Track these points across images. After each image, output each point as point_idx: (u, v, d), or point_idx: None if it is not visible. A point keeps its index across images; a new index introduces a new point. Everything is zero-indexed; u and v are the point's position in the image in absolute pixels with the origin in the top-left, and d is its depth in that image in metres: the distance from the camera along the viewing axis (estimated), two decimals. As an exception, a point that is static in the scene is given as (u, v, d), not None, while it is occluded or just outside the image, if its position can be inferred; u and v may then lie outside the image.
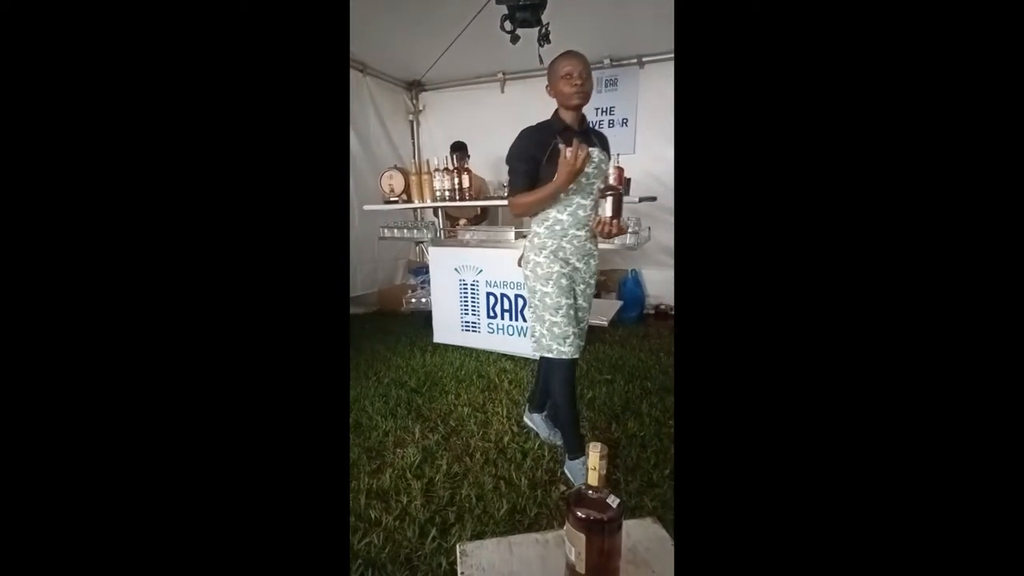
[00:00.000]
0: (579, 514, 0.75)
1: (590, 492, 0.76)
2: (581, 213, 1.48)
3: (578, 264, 1.54)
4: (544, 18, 2.01)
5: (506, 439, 1.81)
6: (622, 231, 1.44)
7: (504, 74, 3.78)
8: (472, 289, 2.76)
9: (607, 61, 3.48)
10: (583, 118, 1.49)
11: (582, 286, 1.57)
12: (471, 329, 2.80)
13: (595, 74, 3.80)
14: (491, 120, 3.49)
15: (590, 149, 1.42)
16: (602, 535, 0.75)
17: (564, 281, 1.51)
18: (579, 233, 1.50)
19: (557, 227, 1.50)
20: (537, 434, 1.81)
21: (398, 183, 2.90)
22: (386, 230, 3.05)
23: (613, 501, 0.75)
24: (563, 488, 1.51)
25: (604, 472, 0.75)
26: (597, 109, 3.61)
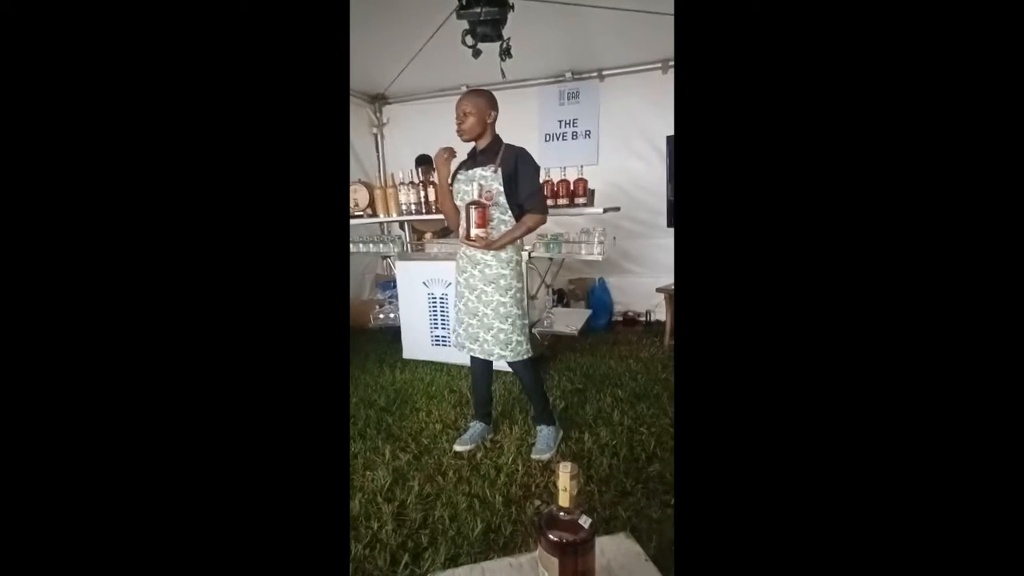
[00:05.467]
0: (551, 537, 0.74)
1: (561, 514, 0.75)
2: (464, 226, 1.69)
3: (473, 271, 1.76)
4: (505, 33, 2.03)
5: (479, 455, 1.78)
6: (480, 242, 1.65)
7: (467, 87, 3.80)
8: (441, 303, 2.72)
9: (569, 75, 3.55)
10: (487, 145, 1.71)
11: (477, 291, 1.76)
12: (441, 343, 2.77)
13: (557, 87, 3.83)
14: (455, 133, 3.48)
15: (473, 170, 1.70)
16: (575, 557, 0.74)
17: (458, 287, 1.82)
18: (470, 243, 1.72)
19: (455, 240, 1.81)
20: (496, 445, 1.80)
21: (362, 197, 2.85)
22: (352, 245, 2.99)
23: (585, 522, 0.74)
24: (537, 503, 1.50)
25: (575, 492, 0.74)
26: (560, 121, 3.66)
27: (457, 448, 1.80)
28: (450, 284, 2.66)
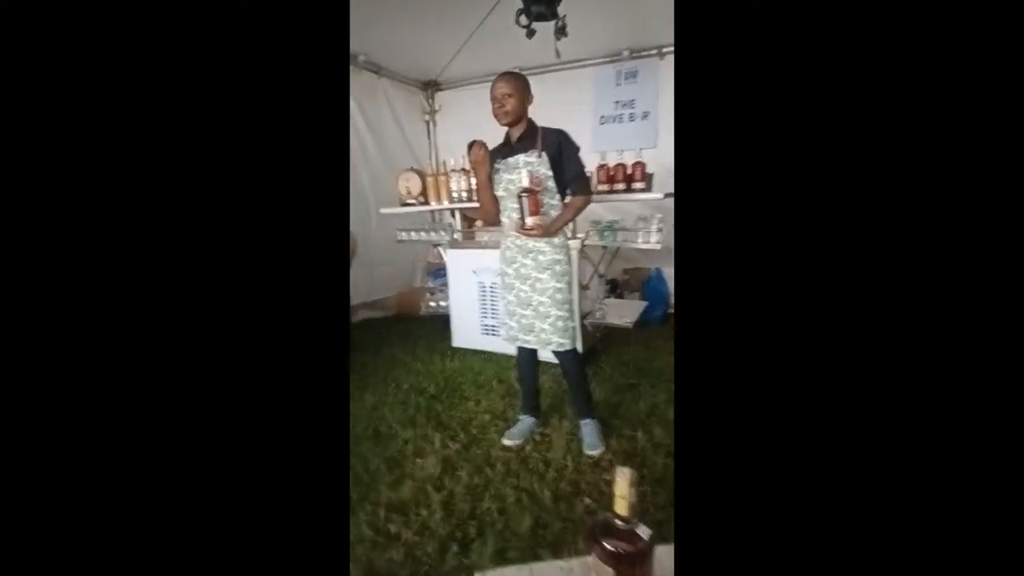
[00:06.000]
0: (607, 546, 0.69)
1: (618, 522, 0.69)
2: (515, 216, 1.63)
3: (524, 260, 1.70)
4: (560, 10, 1.94)
5: (527, 448, 1.75)
6: (537, 230, 1.58)
7: (520, 70, 3.72)
8: (491, 292, 2.70)
9: (626, 53, 3.38)
10: (523, 131, 1.66)
11: (530, 280, 1.70)
12: (490, 332, 2.75)
13: (613, 66, 3.68)
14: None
15: (516, 157, 1.64)
16: (632, 569, 0.69)
17: (506, 279, 1.77)
18: (514, 233, 1.67)
19: (504, 230, 1.74)
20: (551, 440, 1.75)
21: (415, 185, 2.86)
22: (403, 233, 3.02)
23: (644, 532, 0.68)
24: (587, 501, 1.44)
25: (634, 500, 0.68)
26: (617, 102, 3.52)
27: (505, 442, 1.78)
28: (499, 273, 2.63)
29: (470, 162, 1.67)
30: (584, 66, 3.51)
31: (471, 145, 3.27)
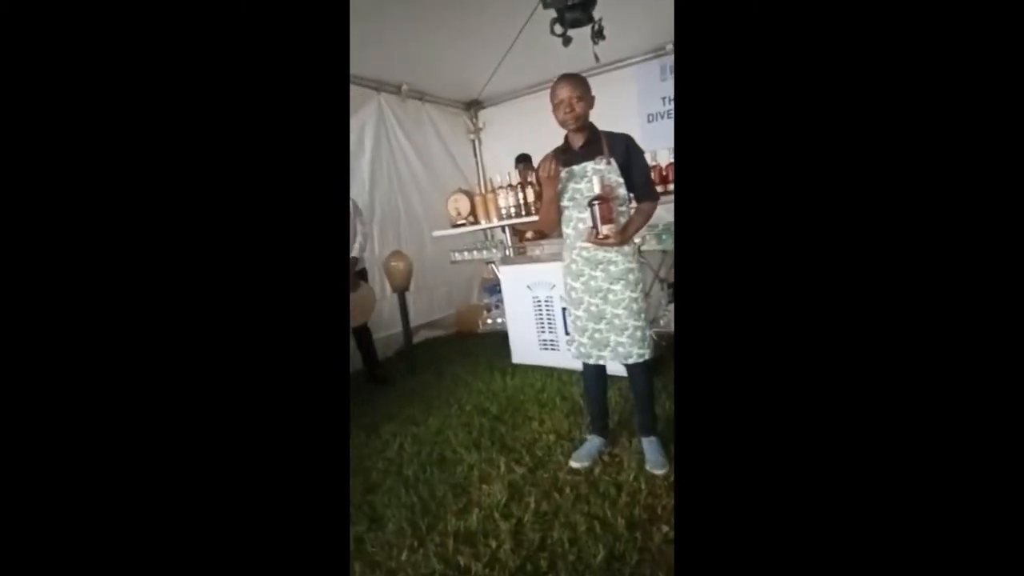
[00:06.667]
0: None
1: None
2: (581, 226, 1.57)
3: (594, 272, 1.61)
4: (595, 13, 1.88)
5: (597, 470, 1.67)
6: (613, 239, 1.50)
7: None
8: (547, 306, 2.65)
9: (669, 46, 3.24)
10: (587, 136, 1.58)
11: (602, 292, 1.61)
12: (549, 347, 2.70)
13: (657, 62, 3.54)
14: (553, 125, 3.37)
15: (583, 164, 1.56)
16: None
17: (573, 294, 1.67)
18: (585, 244, 1.58)
19: (567, 242, 1.65)
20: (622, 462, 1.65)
21: (464, 206, 2.89)
22: (456, 253, 3.05)
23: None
24: (665, 529, 1.34)
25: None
26: (664, 98, 3.37)
27: (573, 464, 1.70)
28: (554, 287, 2.57)
29: (538, 177, 1.56)
30: (626, 65, 3.41)
31: (520, 159, 3.22)
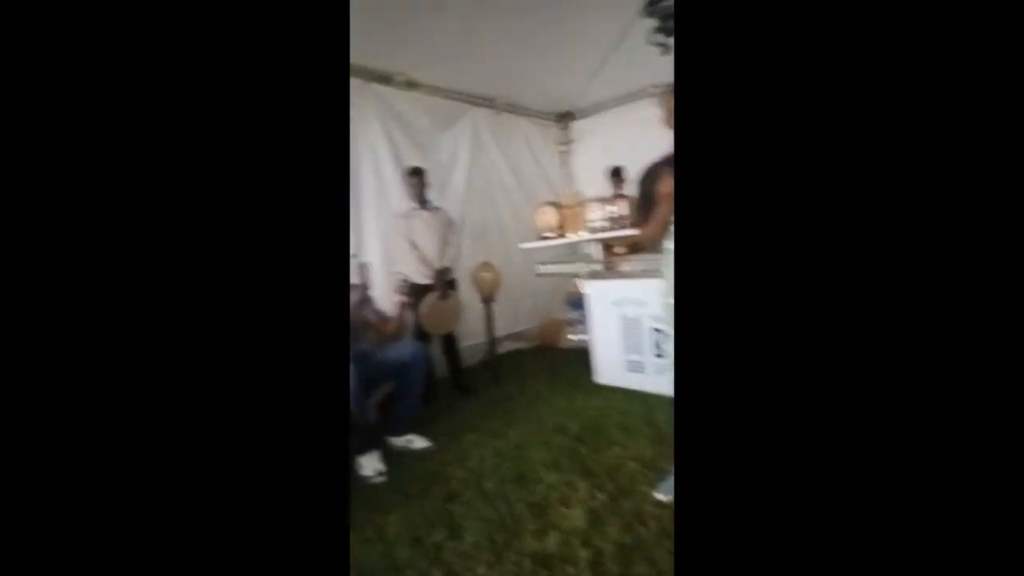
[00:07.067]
0: None
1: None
2: None
3: None
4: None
5: (685, 507, 1.55)
6: None
7: (655, 88, 3.55)
8: (635, 325, 2.54)
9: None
10: None
11: None
12: (636, 370, 2.58)
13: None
14: (648, 137, 3.25)
15: None
16: None
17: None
18: None
19: (666, 258, 1.55)
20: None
21: (552, 218, 2.88)
22: (542, 266, 3.05)
23: None
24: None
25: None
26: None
27: (658, 497, 1.60)
28: (645, 304, 2.46)
29: (658, 193, 1.48)
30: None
31: (614, 171, 3.12)
